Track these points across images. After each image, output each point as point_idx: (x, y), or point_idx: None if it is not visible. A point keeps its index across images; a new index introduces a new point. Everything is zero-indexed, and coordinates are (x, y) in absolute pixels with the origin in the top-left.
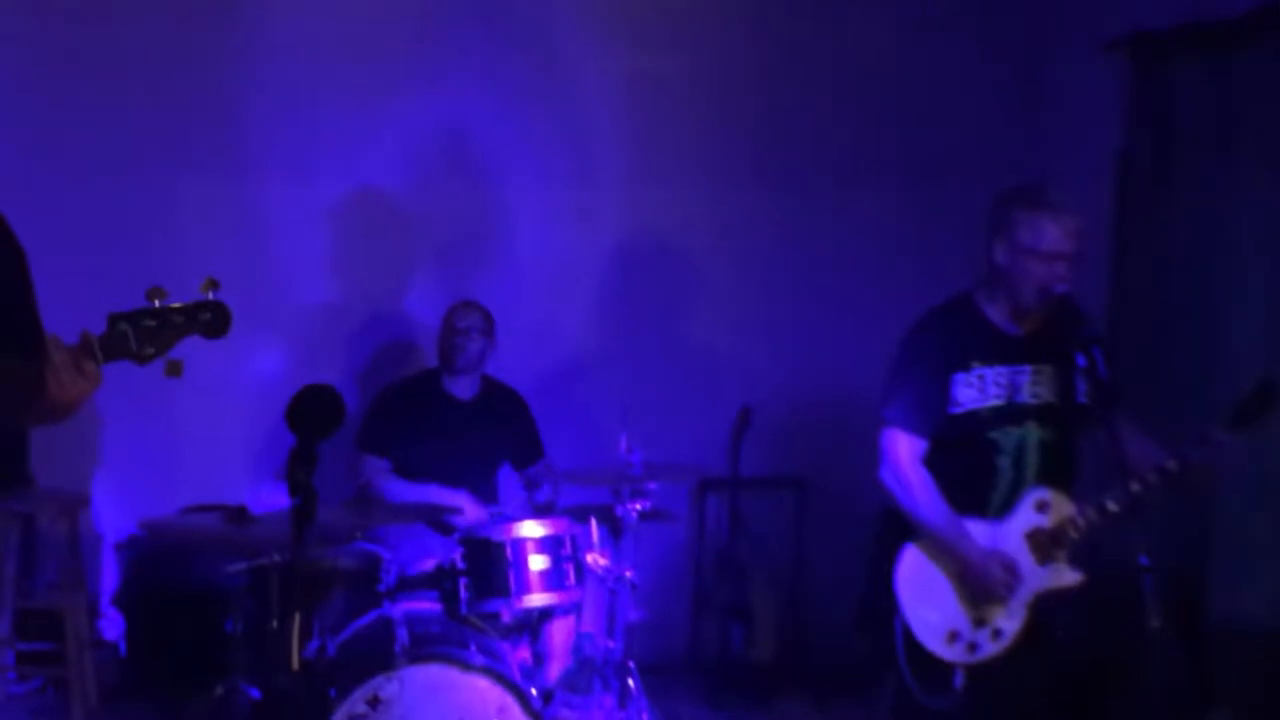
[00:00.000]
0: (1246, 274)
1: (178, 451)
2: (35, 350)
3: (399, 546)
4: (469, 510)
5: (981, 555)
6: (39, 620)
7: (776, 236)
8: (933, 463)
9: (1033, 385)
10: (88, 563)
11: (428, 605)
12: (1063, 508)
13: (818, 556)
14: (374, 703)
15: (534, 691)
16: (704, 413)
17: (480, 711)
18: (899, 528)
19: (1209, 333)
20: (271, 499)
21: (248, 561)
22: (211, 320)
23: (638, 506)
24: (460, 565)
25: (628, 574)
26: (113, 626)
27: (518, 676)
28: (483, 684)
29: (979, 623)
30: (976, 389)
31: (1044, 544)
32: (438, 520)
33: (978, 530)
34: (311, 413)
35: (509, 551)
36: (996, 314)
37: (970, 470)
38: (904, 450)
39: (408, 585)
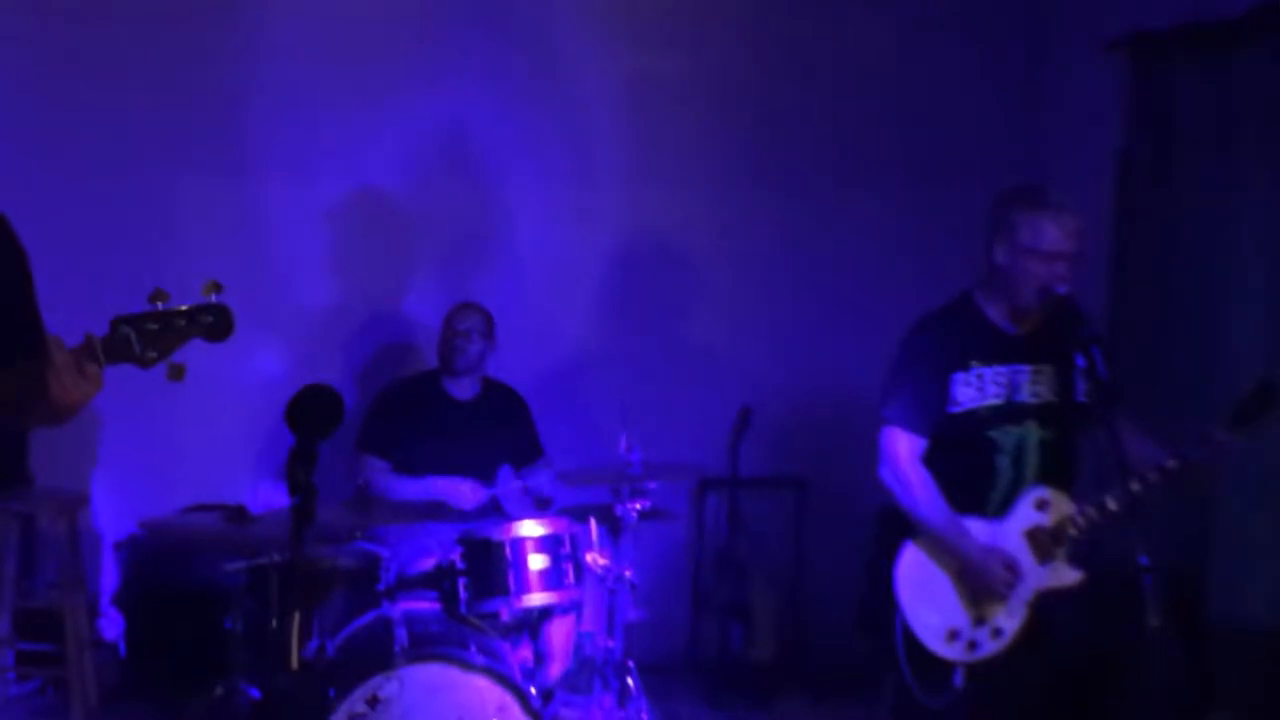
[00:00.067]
0: (1246, 274)
1: (177, 451)
2: (37, 351)
3: (398, 546)
4: (470, 494)
5: (981, 553)
6: (39, 620)
7: (776, 237)
8: (932, 462)
9: (1032, 385)
10: (87, 562)
11: (427, 605)
12: (1062, 506)
13: (818, 556)
14: (373, 702)
15: (533, 691)
16: (704, 413)
17: (480, 711)
18: (898, 527)
19: (1209, 333)
20: (271, 498)
21: (247, 561)
22: (214, 323)
23: (637, 506)
24: (459, 565)
25: (627, 573)
26: (113, 626)
27: (517, 676)
28: (482, 683)
29: (979, 621)
30: (975, 388)
31: (1044, 542)
32: (440, 513)
33: (977, 529)
34: (311, 412)
35: (508, 551)
36: (996, 314)
37: (970, 469)
38: (903, 449)
39: (407, 585)
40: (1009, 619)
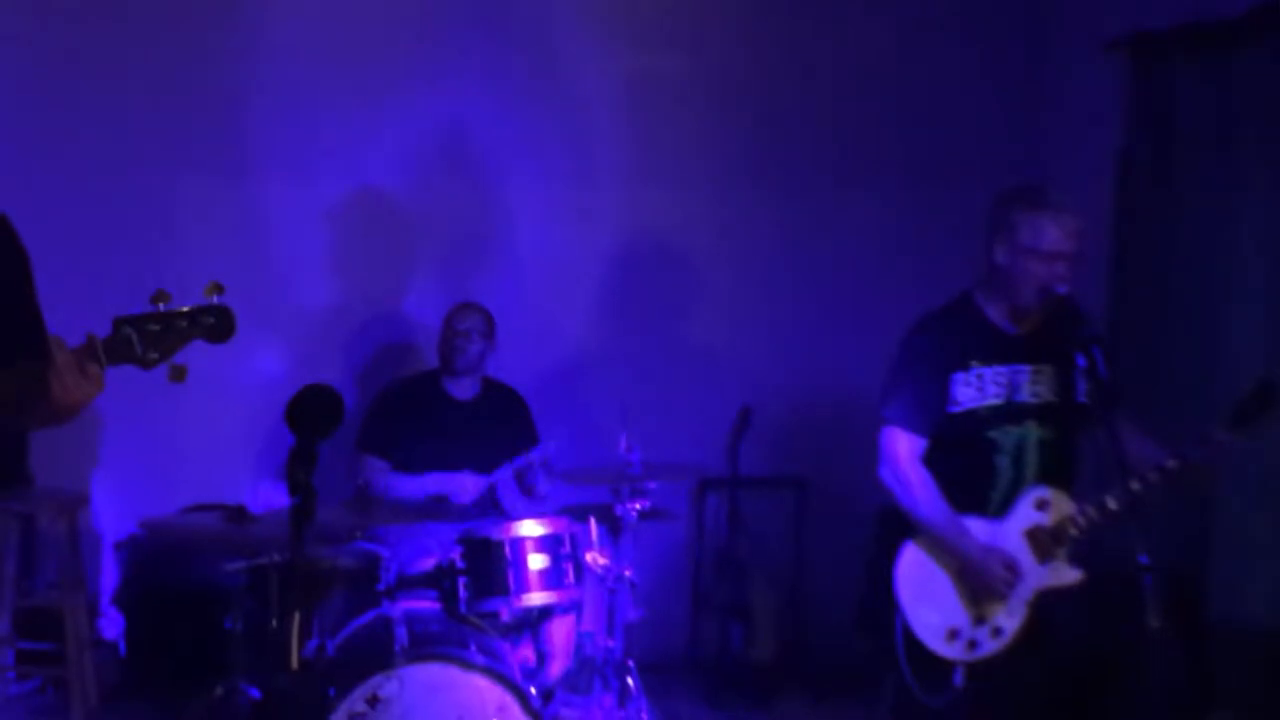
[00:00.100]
0: (1246, 274)
1: (177, 451)
2: (39, 352)
3: (398, 546)
4: (470, 485)
5: (981, 552)
6: (39, 620)
7: (776, 237)
8: (932, 462)
9: (1032, 385)
10: (87, 562)
11: (427, 604)
12: (1062, 506)
13: (818, 556)
14: (373, 701)
15: (533, 690)
16: (704, 413)
17: (480, 710)
18: (898, 527)
19: (1209, 333)
20: (271, 498)
21: (247, 561)
22: (215, 324)
23: (637, 506)
24: (459, 564)
25: (627, 573)
26: (112, 626)
27: (517, 676)
28: (482, 683)
29: (979, 620)
30: (975, 388)
31: (1044, 542)
32: (441, 510)
33: (977, 529)
34: (311, 412)
35: (508, 550)
36: (996, 314)
37: (970, 469)
38: (903, 449)
39: (407, 584)
40: (1009, 618)
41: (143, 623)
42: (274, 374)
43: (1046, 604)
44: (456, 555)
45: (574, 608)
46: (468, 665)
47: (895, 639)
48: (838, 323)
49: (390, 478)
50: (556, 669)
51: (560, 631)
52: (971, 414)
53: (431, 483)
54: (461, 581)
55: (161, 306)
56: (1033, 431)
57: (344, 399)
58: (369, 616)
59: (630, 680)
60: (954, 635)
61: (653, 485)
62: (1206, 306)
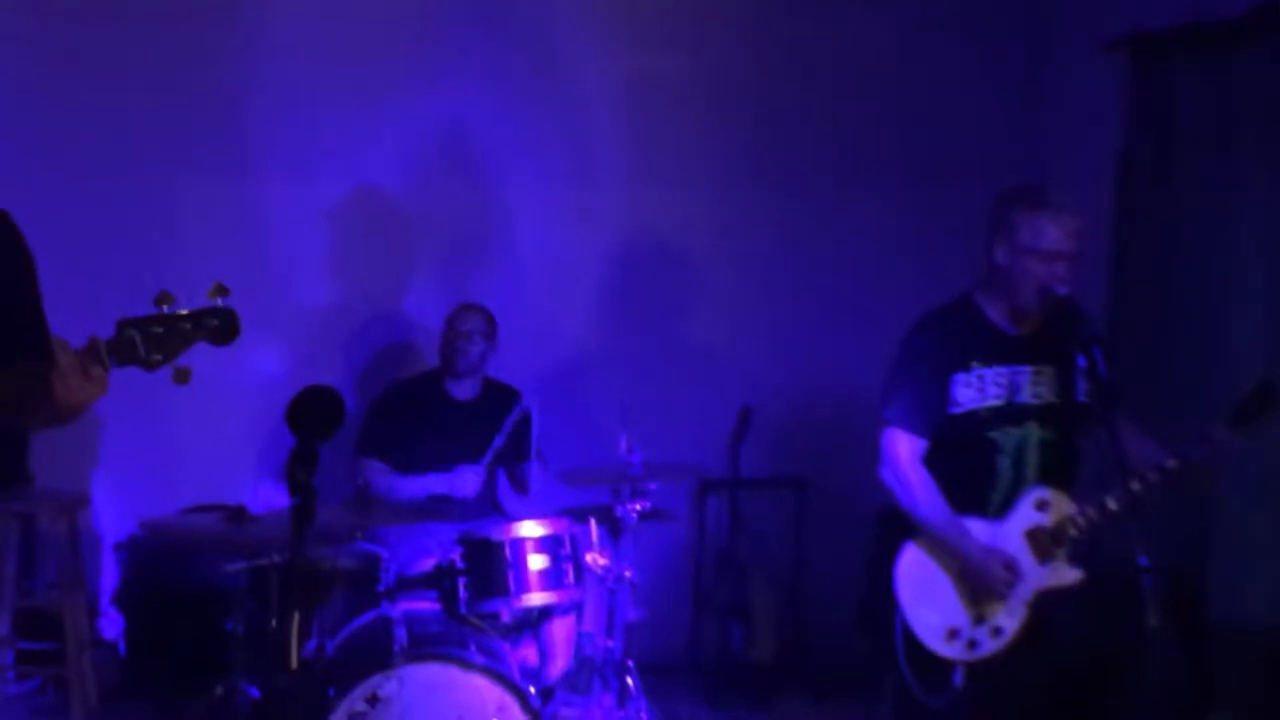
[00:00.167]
0: (1246, 274)
1: (178, 452)
2: (42, 353)
3: (398, 546)
4: (471, 479)
5: (981, 553)
6: (39, 620)
7: (776, 237)
8: (933, 462)
9: (1033, 385)
10: (87, 562)
11: (427, 605)
12: (1063, 507)
13: (818, 556)
14: (373, 701)
15: (533, 690)
16: (704, 413)
17: (479, 710)
18: (899, 527)
19: (1209, 333)
20: (271, 499)
21: (247, 561)
22: (220, 326)
23: (638, 507)
24: (459, 565)
25: (627, 574)
26: (112, 626)
27: (517, 676)
28: (482, 683)
29: (979, 620)
30: (976, 389)
31: (1044, 542)
32: (443, 509)
33: (978, 529)
34: (312, 413)
35: (508, 551)
36: (996, 314)
37: (970, 470)
38: (904, 450)
39: (407, 585)
40: (1009, 618)
41: (143, 623)
42: (274, 374)
43: (1046, 604)
44: (456, 556)
45: (574, 608)
46: (467, 665)
47: (895, 639)
48: (838, 323)
49: (391, 479)
50: (556, 669)
51: (560, 632)
52: (972, 415)
53: (432, 483)
54: (461, 582)
55: (165, 308)
56: (1033, 432)
57: (344, 400)
58: (369, 617)
59: (630, 680)
60: (954, 635)
61: (653, 486)
62: (1206, 306)
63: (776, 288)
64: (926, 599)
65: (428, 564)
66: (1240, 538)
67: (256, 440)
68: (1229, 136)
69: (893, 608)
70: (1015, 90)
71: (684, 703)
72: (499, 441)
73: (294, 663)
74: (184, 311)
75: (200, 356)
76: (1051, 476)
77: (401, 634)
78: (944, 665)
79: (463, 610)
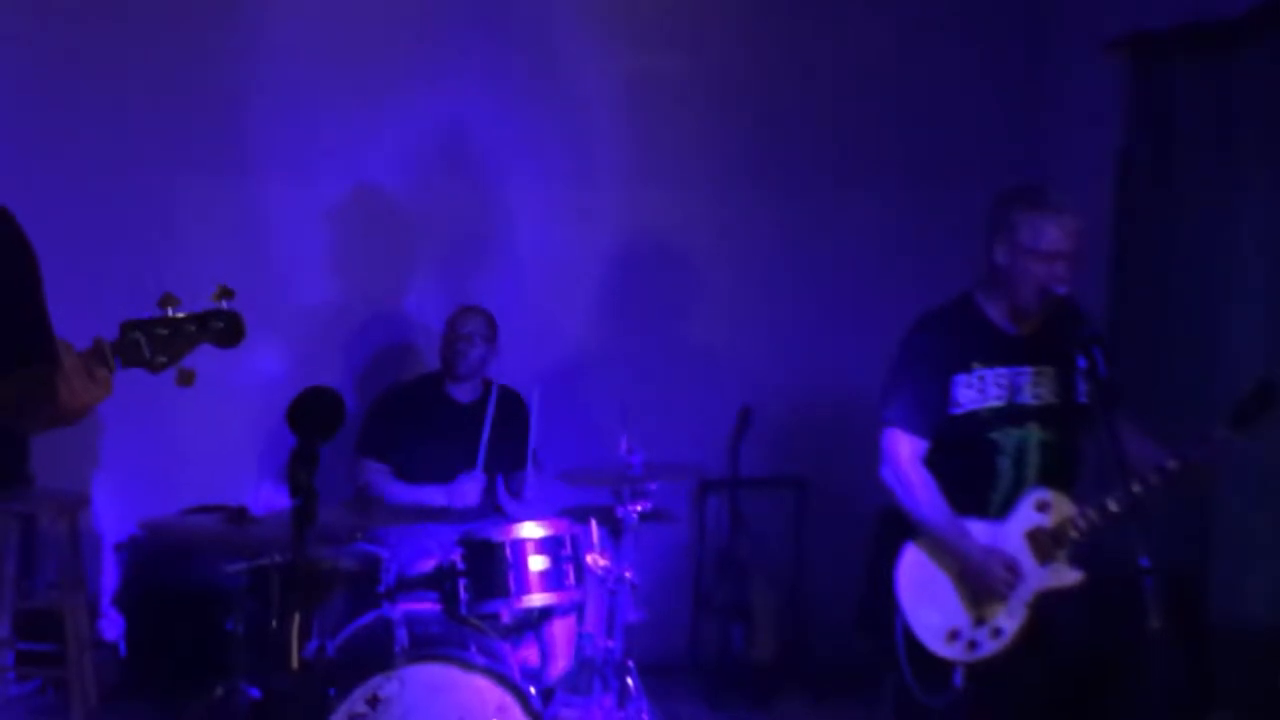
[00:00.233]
0: (1246, 274)
1: (178, 452)
2: (46, 354)
3: (398, 547)
4: (471, 489)
5: (982, 553)
6: (39, 620)
7: (776, 237)
8: (933, 463)
9: (1033, 386)
10: (88, 563)
11: (427, 606)
12: (1063, 508)
13: (818, 556)
14: (374, 702)
15: (534, 691)
16: (704, 413)
17: (480, 711)
18: (899, 527)
19: (1209, 333)
20: (272, 500)
21: (248, 562)
22: (224, 329)
23: (638, 507)
24: (460, 566)
25: (628, 574)
26: (113, 627)
27: (517, 676)
28: (482, 684)
29: (979, 621)
30: (977, 390)
31: (1045, 543)
32: (442, 514)
33: (978, 530)
34: (312, 414)
35: (508, 552)
36: (996, 314)
37: (971, 471)
38: (905, 450)
39: (407, 586)
40: (1009, 619)
41: (143, 624)
42: (274, 374)
43: (1047, 605)
44: (457, 557)
45: (574, 609)
46: (468, 666)
47: (895, 639)
48: (838, 323)
49: (390, 486)
50: (557, 670)
51: (561, 633)
52: (973, 415)
53: (431, 495)
54: (462, 583)
55: (170, 311)
56: (1034, 433)
57: (345, 400)
58: (369, 618)
59: (630, 681)
60: (954, 636)
61: (653, 486)
62: (1206, 306)
63: (776, 288)
64: (927, 600)
65: (428, 565)
66: (1240, 538)
67: (257, 441)
68: (1229, 136)
69: (893, 608)
70: (1015, 90)
71: (684, 703)
72: (485, 439)
73: (294, 663)
74: (189, 314)
75: (200, 357)
76: (1052, 477)
77: (402, 635)
78: (944, 666)
79: (463, 611)
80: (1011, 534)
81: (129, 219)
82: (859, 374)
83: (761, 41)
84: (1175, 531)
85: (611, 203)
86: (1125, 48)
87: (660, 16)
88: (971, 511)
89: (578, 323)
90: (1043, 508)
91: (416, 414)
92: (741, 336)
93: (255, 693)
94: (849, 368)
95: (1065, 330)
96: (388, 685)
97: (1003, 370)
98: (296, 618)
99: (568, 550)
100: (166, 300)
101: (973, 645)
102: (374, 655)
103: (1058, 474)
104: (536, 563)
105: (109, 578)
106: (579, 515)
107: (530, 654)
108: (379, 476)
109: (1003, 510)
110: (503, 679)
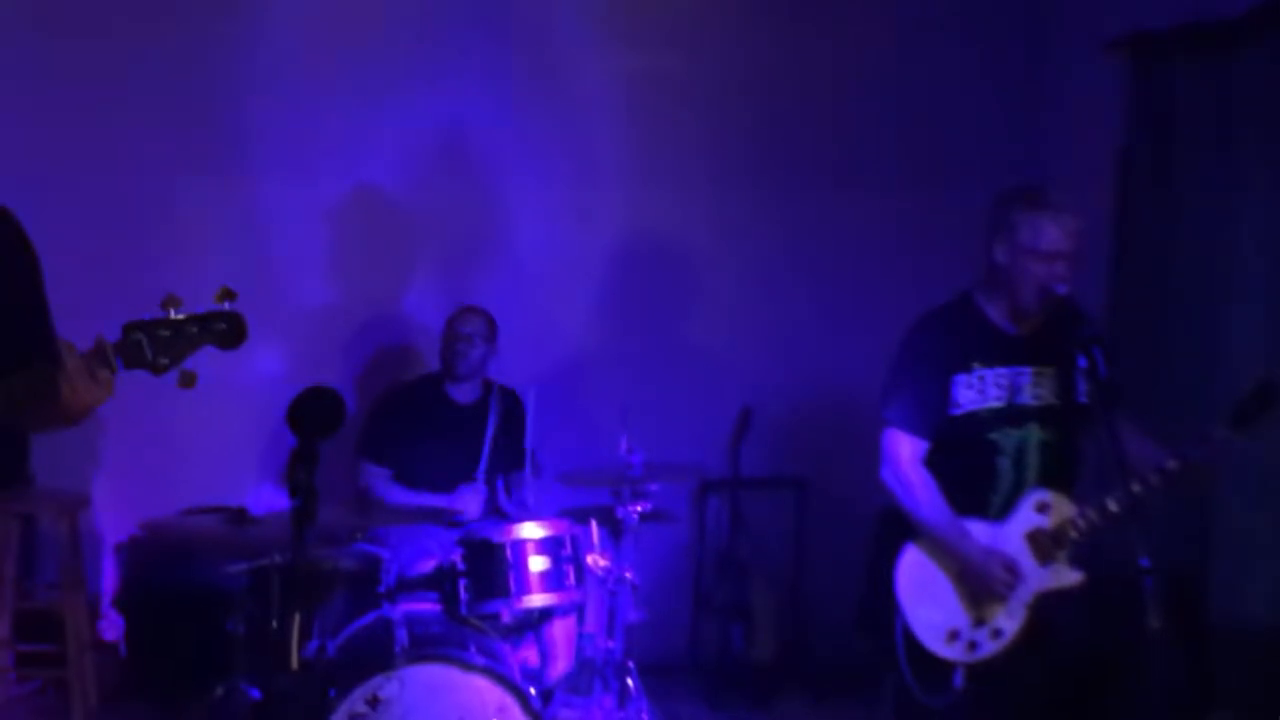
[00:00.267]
0: (1246, 274)
1: (178, 452)
2: (48, 355)
3: (399, 548)
4: (473, 499)
5: (982, 554)
6: (39, 621)
7: (776, 237)
8: (933, 464)
9: (1034, 386)
10: (88, 563)
11: (427, 606)
12: (1063, 508)
13: (818, 556)
14: (374, 702)
15: (533, 691)
16: (704, 413)
17: (480, 711)
18: (899, 528)
19: (1209, 333)
20: (272, 500)
21: (248, 562)
22: (227, 331)
23: (638, 508)
24: (460, 566)
25: (628, 575)
26: (113, 627)
27: (517, 677)
28: (482, 684)
29: (979, 622)
30: (977, 390)
31: (1045, 544)
32: (440, 519)
33: (978, 531)
34: (313, 414)
35: (509, 552)
36: (997, 314)
37: (971, 471)
38: (905, 451)
39: (407, 586)
40: (1009, 620)
41: (143, 624)
42: (274, 375)
43: (1047, 606)
44: (457, 557)
45: (575, 609)
46: (468, 666)
47: (895, 640)
48: (838, 323)
49: (389, 491)
50: (557, 670)
51: (561, 633)
52: (973, 416)
53: (431, 505)
54: (462, 583)
55: (172, 312)
56: (1034, 433)
57: (345, 401)
58: (369, 618)
59: (630, 681)
60: (954, 636)
61: (654, 487)
62: (1206, 306)
63: (776, 288)
64: (927, 600)
65: (428, 565)
66: (1240, 538)
67: (257, 441)
68: (1229, 136)
69: (893, 608)
70: (1015, 90)
71: (684, 703)
72: (488, 443)
73: (295, 664)
74: (191, 315)
75: (201, 358)
76: (1052, 478)
77: (402, 635)
78: (944, 666)
79: (463, 611)
80: (1011, 535)
81: (129, 219)
82: (859, 374)
83: (761, 41)
84: (1175, 531)
85: (611, 203)
86: (1125, 48)
87: (660, 16)
88: (971, 512)
89: (578, 323)
90: (1043, 509)
91: (416, 415)
92: (741, 336)
93: (255, 693)
94: (849, 368)
95: (1065, 330)
96: (388, 685)
97: (1003, 370)
98: (297, 618)
99: (568, 551)
100: (169, 301)
101: (973, 646)
102: (374, 655)
103: (1058, 474)
104: (537, 563)
105: (109, 578)
106: (579, 516)
107: (530, 654)
108: (378, 481)
109: (1003, 511)
110: (503, 679)
